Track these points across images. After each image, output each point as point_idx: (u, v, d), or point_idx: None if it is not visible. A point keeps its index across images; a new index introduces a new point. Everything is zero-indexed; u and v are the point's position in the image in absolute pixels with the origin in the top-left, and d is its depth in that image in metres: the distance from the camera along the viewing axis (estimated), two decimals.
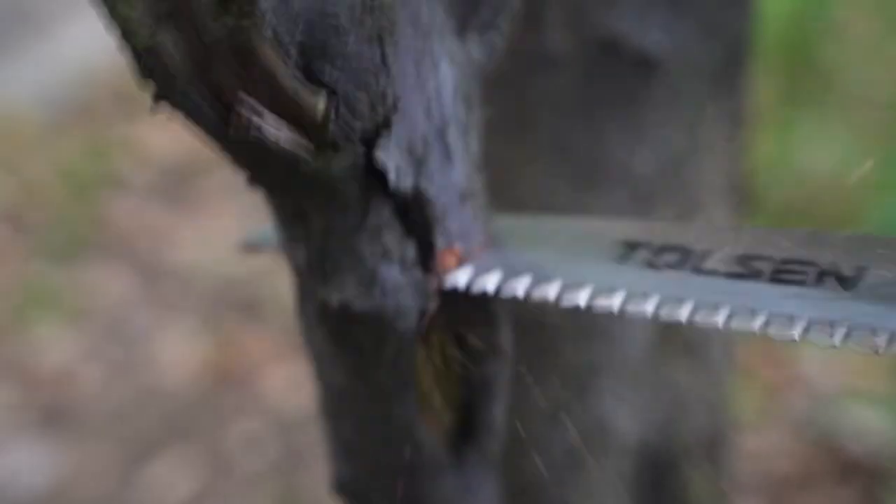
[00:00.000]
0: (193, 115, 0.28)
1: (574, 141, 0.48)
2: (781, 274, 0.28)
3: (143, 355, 1.60)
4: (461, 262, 0.33)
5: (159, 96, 0.28)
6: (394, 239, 0.32)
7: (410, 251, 0.32)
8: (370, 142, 0.29)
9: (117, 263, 1.74)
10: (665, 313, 0.28)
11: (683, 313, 0.28)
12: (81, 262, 1.74)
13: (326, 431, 0.37)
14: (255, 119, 0.28)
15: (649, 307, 0.29)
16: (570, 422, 0.51)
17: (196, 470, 1.42)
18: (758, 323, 0.27)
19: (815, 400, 1.29)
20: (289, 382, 1.45)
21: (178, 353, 1.59)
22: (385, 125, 0.29)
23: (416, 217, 0.32)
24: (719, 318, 0.28)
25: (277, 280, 1.56)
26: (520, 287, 0.32)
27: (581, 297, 0.30)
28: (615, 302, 0.29)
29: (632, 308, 0.29)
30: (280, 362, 1.49)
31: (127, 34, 0.27)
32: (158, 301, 1.67)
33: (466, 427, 0.36)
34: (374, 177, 0.30)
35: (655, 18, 0.47)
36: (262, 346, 1.52)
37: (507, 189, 0.47)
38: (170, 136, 1.91)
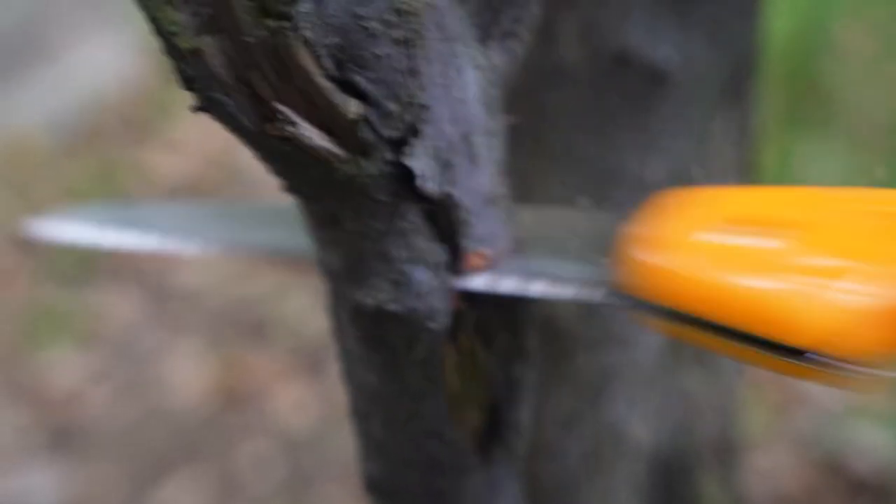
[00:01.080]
0: (232, 120, 0.29)
1: (586, 152, 0.48)
2: None
3: (152, 376, 1.60)
4: (489, 264, 0.33)
5: (200, 102, 0.29)
6: (424, 242, 0.32)
7: (440, 254, 0.33)
8: (399, 147, 0.30)
9: (126, 286, 1.73)
10: None
11: None
12: (90, 285, 1.74)
13: (357, 431, 0.37)
14: (291, 124, 0.28)
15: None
16: (584, 428, 0.51)
17: (205, 490, 1.42)
18: None
19: (821, 418, 1.29)
20: (296, 403, 1.45)
21: (186, 374, 1.58)
22: (413, 131, 0.30)
23: (444, 220, 0.32)
24: None
25: (284, 301, 1.57)
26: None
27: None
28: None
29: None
30: (287, 382, 1.49)
31: (170, 39, 0.28)
32: (166, 323, 1.67)
33: (493, 427, 0.37)
34: (404, 181, 0.31)
35: (665, 33, 0.46)
36: (269, 366, 1.52)
37: (522, 195, 0.48)
38: (176, 159, 1.92)
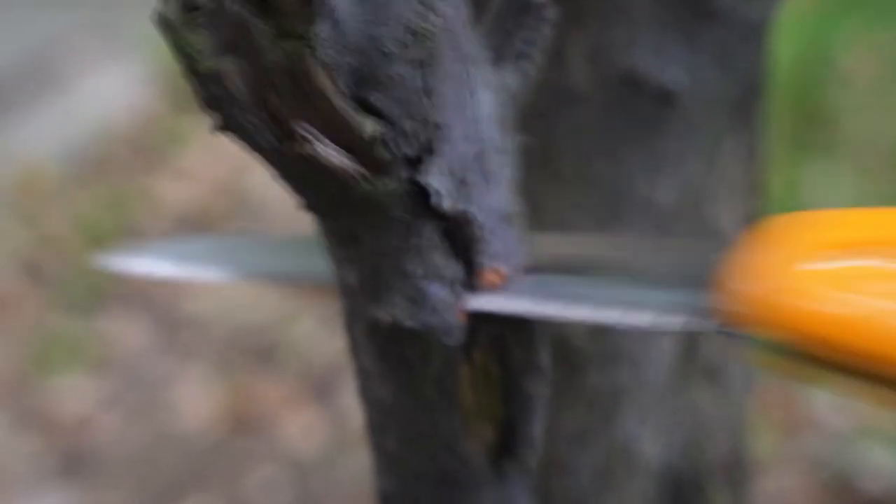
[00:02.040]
0: (252, 140, 0.30)
1: (597, 173, 0.49)
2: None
3: (162, 402, 1.60)
4: (504, 281, 0.34)
5: (220, 122, 0.30)
6: (440, 258, 0.33)
7: (456, 270, 0.33)
8: (415, 165, 0.30)
9: (135, 313, 1.74)
10: None
11: None
12: (100, 312, 1.75)
13: (372, 447, 0.37)
14: (309, 143, 0.29)
15: None
16: (596, 445, 0.51)
17: None
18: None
19: (829, 440, 1.29)
20: (305, 428, 1.45)
21: (195, 399, 1.59)
22: (429, 149, 0.30)
23: (459, 237, 0.33)
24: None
25: (292, 327, 1.58)
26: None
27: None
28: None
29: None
30: (296, 408, 1.50)
31: (191, 62, 0.29)
32: (176, 349, 1.68)
33: (506, 441, 0.37)
34: (420, 199, 0.31)
35: (674, 55, 0.47)
36: (278, 391, 1.53)
37: (532, 215, 0.48)
38: (185, 187, 1.93)
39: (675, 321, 0.30)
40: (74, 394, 1.61)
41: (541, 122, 0.48)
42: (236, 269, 0.43)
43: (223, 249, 0.46)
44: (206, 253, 0.45)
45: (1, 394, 1.62)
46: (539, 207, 0.47)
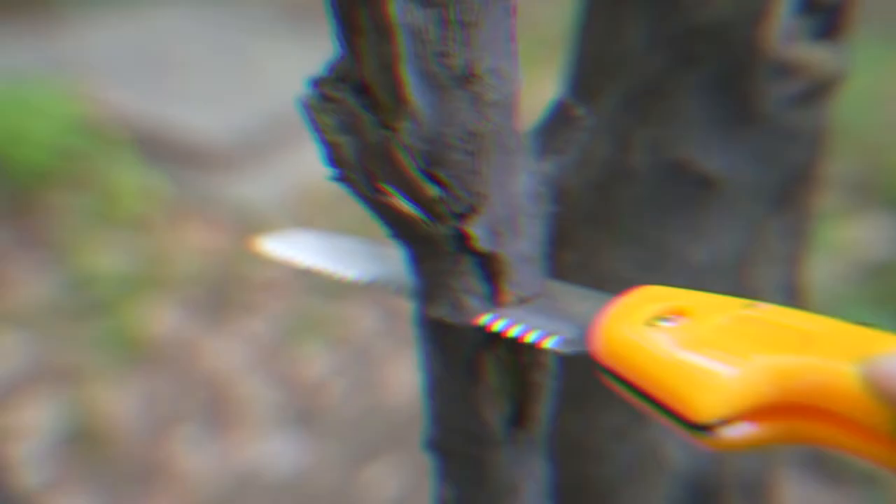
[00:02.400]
0: (356, 190, 0.34)
1: (645, 235, 0.49)
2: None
3: (378, 377, 1.66)
4: (520, 301, 0.36)
5: (339, 177, 0.34)
6: (474, 280, 0.36)
7: (486, 289, 0.36)
8: (463, 218, 0.34)
9: (368, 302, 1.83)
10: None
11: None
12: (342, 300, 1.84)
13: (426, 405, 0.41)
14: (392, 196, 0.33)
15: None
16: (630, 442, 0.51)
17: (403, 473, 1.48)
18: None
19: None
20: None
21: (404, 378, 1.65)
22: (474, 210, 0.34)
23: (491, 267, 0.36)
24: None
25: None
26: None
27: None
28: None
29: None
30: None
31: (322, 134, 0.33)
32: (395, 335, 1.75)
33: (519, 416, 0.39)
34: (465, 240, 0.34)
35: (717, 149, 0.47)
36: None
37: (593, 265, 0.50)
38: None
39: (555, 343, 0.34)
40: (315, 362, 1.72)
41: (607, 193, 0.50)
42: (364, 272, 0.44)
43: (356, 250, 0.46)
44: (344, 251, 0.46)
45: (262, 355, 1.74)
46: (599, 257, 0.51)
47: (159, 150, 2.25)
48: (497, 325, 0.36)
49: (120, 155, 2.09)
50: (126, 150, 2.10)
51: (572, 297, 0.37)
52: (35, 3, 2.83)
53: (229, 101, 2.35)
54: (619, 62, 0.49)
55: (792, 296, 0.54)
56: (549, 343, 0.34)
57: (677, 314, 0.31)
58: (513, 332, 0.35)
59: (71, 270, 1.86)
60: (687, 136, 0.48)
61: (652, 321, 0.31)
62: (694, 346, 0.29)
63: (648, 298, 0.32)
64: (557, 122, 0.37)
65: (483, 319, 0.36)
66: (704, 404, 0.27)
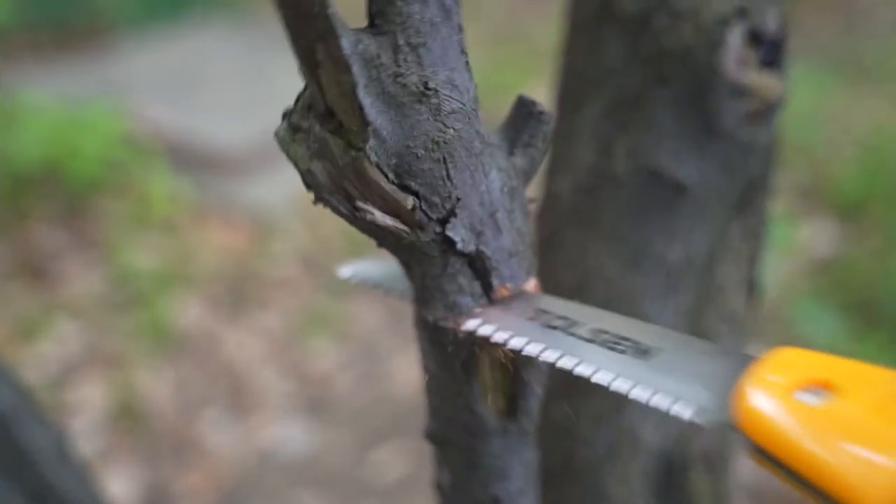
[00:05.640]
0: (336, 210, 0.34)
1: (626, 235, 0.50)
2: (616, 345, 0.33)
3: (383, 370, 1.67)
4: (512, 294, 0.36)
5: (316, 199, 0.34)
6: (466, 280, 0.35)
7: (477, 287, 0.36)
8: (443, 223, 0.33)
9: (373, 302, 1.82)
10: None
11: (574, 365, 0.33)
12: (349, 298, 1.84)
13: (425, 400, 0.41)
14: (370, 213, 0.33)
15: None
16: (609, 426, 0.52)
17: (408, 457, 1.49)
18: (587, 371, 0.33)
19: None
20: None
21: (407, 371, 1.66)
22: (452, 213, 0.33)
23: (479, 266, 0.35)
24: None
25: None
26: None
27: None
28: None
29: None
30: None
31: (296, 162, 0.33)
32: (400, 331, 1.75)
33: (511, 409, 0.39)
34: (449, 244, 0.34)
35: (688, 159, 0.49)
36: None
37: (579, 263, 0.51)
38: None
39: (689, 412, 0.30)
40: (324, 356, 1.72)
41: (591, 196, 0.51)
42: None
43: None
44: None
45: (275, 348, 1.74)
46: (584, 255, 0.52)
47: (186, 158, 2.28)
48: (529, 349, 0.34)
49: (153, 164, 2.16)
50: (159, 159, 2.17)
51: (695, 352, 0.33)
52: (90, 34, 2.92)
53: (249, 113, 2.37)
54: (601, 77, 0.50)
55: (751, 291, 0.55)
56: (682, 411, 0.30)
57: (821, 386, 0.28)
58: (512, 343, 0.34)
59: (114, 268, 1.93)
60: (662, 144, 0.49)
61: (795, 392, 0.28)
62: (855, 437, 0.26)
63: (788, 365, 0.29)
64: (522, 117, 0.36)
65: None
66: (877, 502, 0.25)
